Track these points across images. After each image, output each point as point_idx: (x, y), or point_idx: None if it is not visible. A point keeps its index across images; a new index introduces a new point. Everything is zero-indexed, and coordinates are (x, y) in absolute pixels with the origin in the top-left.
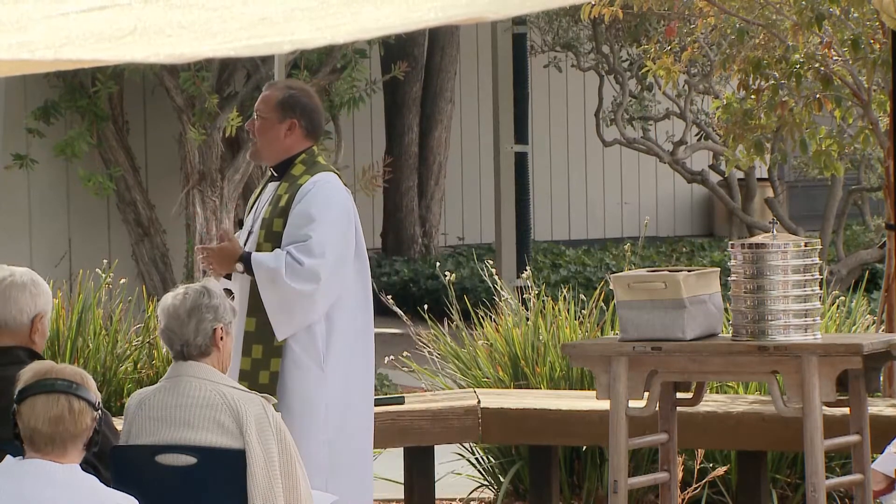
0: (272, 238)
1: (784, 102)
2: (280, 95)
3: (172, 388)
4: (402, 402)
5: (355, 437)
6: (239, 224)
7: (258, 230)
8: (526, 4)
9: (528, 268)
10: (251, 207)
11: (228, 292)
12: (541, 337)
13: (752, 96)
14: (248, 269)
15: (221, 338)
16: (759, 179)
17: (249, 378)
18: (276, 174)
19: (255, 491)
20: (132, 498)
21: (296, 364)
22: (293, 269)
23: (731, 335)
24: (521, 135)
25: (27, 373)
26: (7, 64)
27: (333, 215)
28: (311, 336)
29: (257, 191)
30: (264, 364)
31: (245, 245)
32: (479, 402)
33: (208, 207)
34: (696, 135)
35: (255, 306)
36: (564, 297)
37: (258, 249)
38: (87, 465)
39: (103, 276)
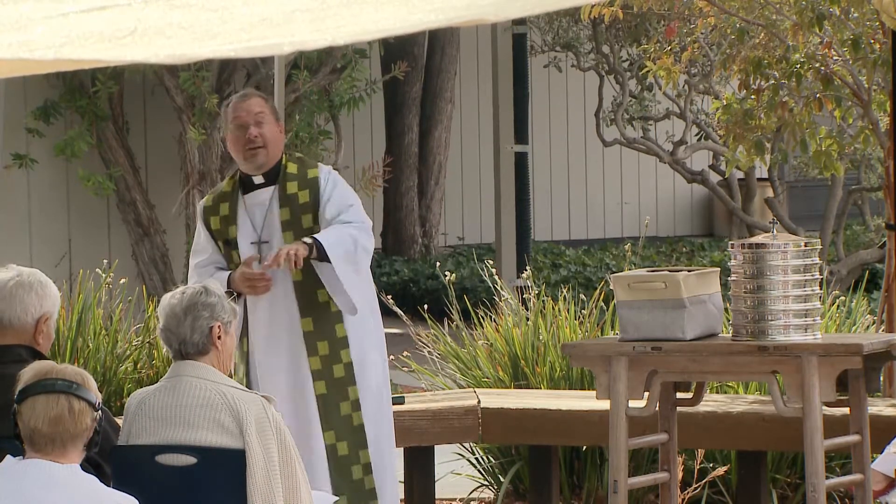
0: (304, 236)
1: (784, 102)
2: (268, 100)
3: (172, 387)
4: (403, 402)
5: (391, 431)
6: (227, 244)
7: (280, 235)
8: (526, 6)
9: (528, 268)
10: (231, 223)
11: (229, 293)
12: (541, 337)
13: (753, 96)
14: (320, 251)
15: (219, 336)
16: (759, 179)
17: (325, 376)
18: (257, 181)
19: (255, 491)
20: (132, 498)
21: (362, 353)
22: (364, 230)
23: (731, 335)
24: (521, 135)
25: (28, 372)
26: (7, 64)
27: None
28: (365, 326)
29: (225, 207)
30: (335, 358)
31: (250, 258)
32: (479, 402)
33: None
34: (696, 135)
35: (308, 306)
36: (564, 297)
37: None
38: (90, 465)
39: (103, 276)
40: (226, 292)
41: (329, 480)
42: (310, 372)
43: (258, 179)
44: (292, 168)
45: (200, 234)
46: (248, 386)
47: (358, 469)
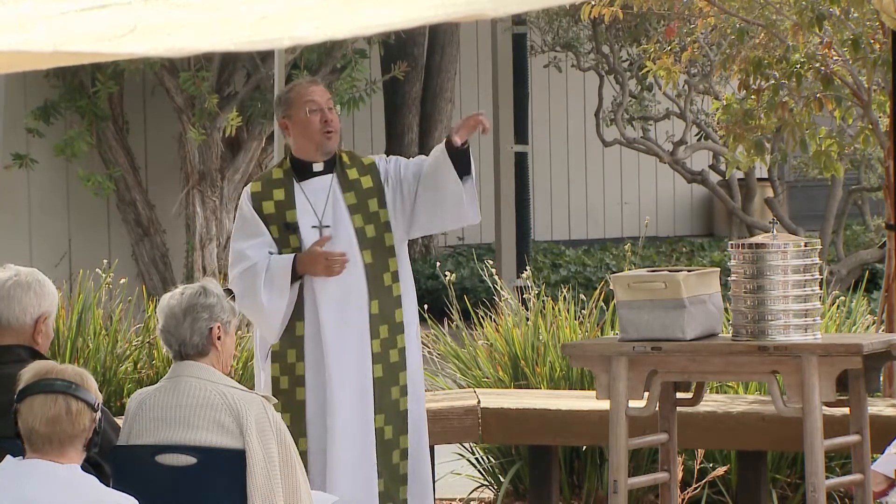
0: (373, 219)
1: (784, 102)
2: None
3: (172, 388)
4: None
5: (425, 419)
6: (287, 227)
7: (349, 217)
8: (526, 2)
9: (528, 268)
10: (289, 207)
11: (228, 292)
12: (541, 337)
13: (753, 96)
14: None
15: (219, 337)
16: (759, 179)
17: (382, 360)
18: (316, 168)
19: (255, 491)
20: (132, 498)
21: (409, 339)
22: None
23: (731, 335)
24: (521, 135)
25: (28, 372)
26: (7, 57)
27: None
28: (411, 312)
29: (280, 192)
30: (391, 342)
31: (323, 238)
32: (479, 402)
33: (208, 207)
34: (696, 135)
35: (376, 289)
36: (564, 297)
37: (361, 234)
38: (90, 465)
39: (103, 276)
40: (227, 291)
41: (376, 463)
42: (371, 354)
43: (318, 166)
44: (346, 158)
45: (247, 218)
46: (305, 370)
47: (397, 454)
